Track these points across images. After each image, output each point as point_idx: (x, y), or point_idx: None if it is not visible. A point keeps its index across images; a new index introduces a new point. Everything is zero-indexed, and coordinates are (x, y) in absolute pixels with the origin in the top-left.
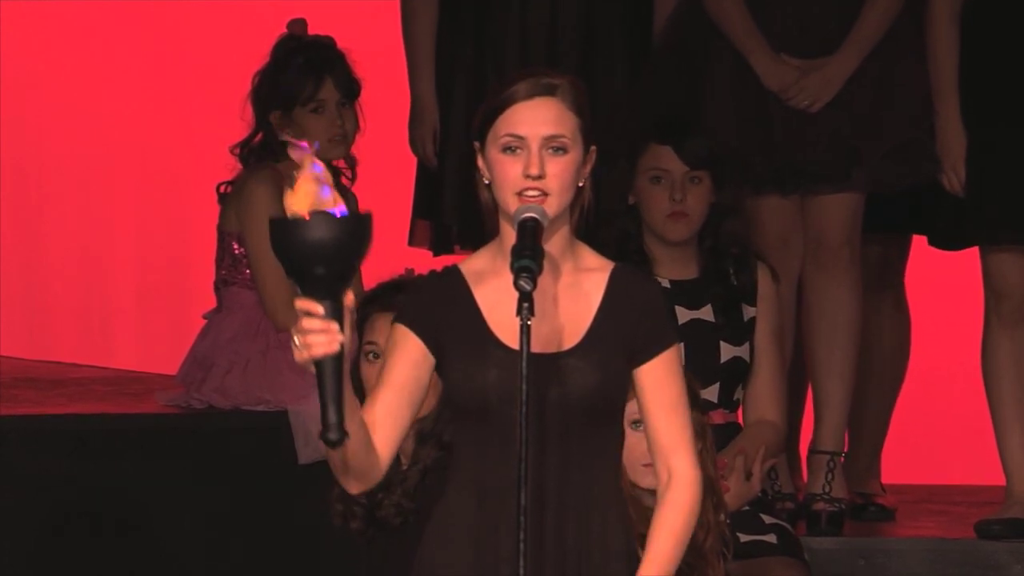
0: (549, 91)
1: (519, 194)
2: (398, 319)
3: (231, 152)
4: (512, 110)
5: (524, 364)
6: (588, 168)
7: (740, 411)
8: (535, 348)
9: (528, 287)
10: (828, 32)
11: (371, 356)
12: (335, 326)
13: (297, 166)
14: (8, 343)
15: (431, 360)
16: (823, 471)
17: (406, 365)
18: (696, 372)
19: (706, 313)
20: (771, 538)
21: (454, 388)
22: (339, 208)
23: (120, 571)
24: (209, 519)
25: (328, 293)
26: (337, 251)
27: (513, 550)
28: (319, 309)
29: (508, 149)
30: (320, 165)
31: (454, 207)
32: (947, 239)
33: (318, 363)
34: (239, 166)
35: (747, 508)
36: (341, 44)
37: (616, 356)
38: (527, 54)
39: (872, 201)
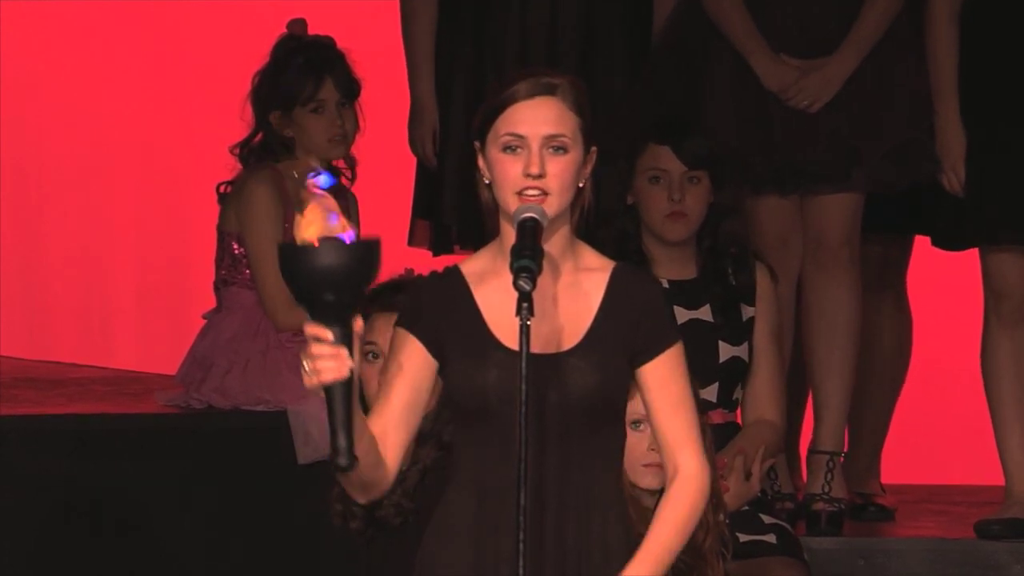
0: (550, 90)
1: (519, 193)
2: (399, 323)
3: (231, 152)
4: (512, 109)
5: (524, 364)
6: (588, 168)
7: (739, 411)
8: (535, 348)
9: (527, 287)
10: (827, 32)
11: (371, 356)
12: (344, 352)
13: (306, 191)
14: (8, 343)
15: (433, 364)
16: (822, 471)
17: (409, 371)
18: (695, 372)
19: (705, 313)
20: (771, 538)
21: (454, 389)
22: (348, 234)
23: (120, 571)
24: (208, 519)
25: (337, 319)
26: (346, 277)
27: (513, 550)
28: (328, 335)
29: (508, 148)
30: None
31: (454, 207)
32: (948, 239)
33: (328, 389)
34: (239, 166)
35: (746, 508)
36: (341, 44)
37: (616, 356)
38: (527, 54)
39: (873, 201)
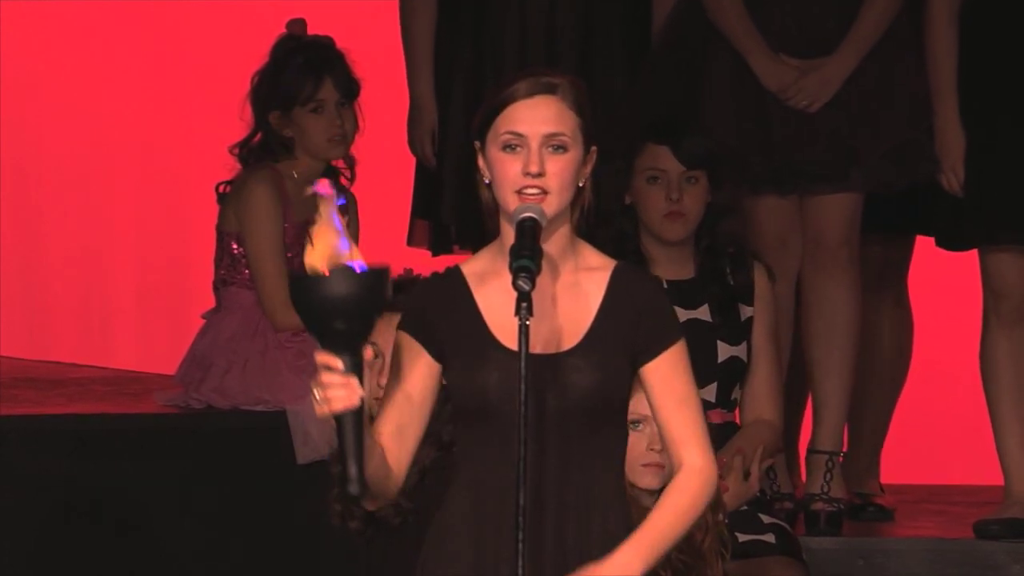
0: (549, 90)
1: (519, 192)
2: (401, 327)
3: (230, 152)
4: (512, 108)
5: (523, 364)
6: (589, 168)
7: (737, 411)
8: (535, 348)
9: (526, 287)
10: (827, 32)
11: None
12: (355, 381)
13: (317, 212)
14: (8, 343)
15: (436, 367)
16: (822, 471)
17: (412, 376)
18: (693, 372)
19: (703, 313)
20: (769, 538)
21: (455, 389)
22: (358, 262)
23: (120, 570)
24: (208, 519)
25: (347, 347)
26: (356, 306)
27: (513, 550)
28: (339, 364)
29: (508, 147)
30: (338, 217)
31: (453, 207)
32: (948, 239)
33: (338, 418)
34: (238, 166)
35: (745, 508)
36: (340, 44)
37: (617, 356)
38: (526, 54)
39: (873, 201)
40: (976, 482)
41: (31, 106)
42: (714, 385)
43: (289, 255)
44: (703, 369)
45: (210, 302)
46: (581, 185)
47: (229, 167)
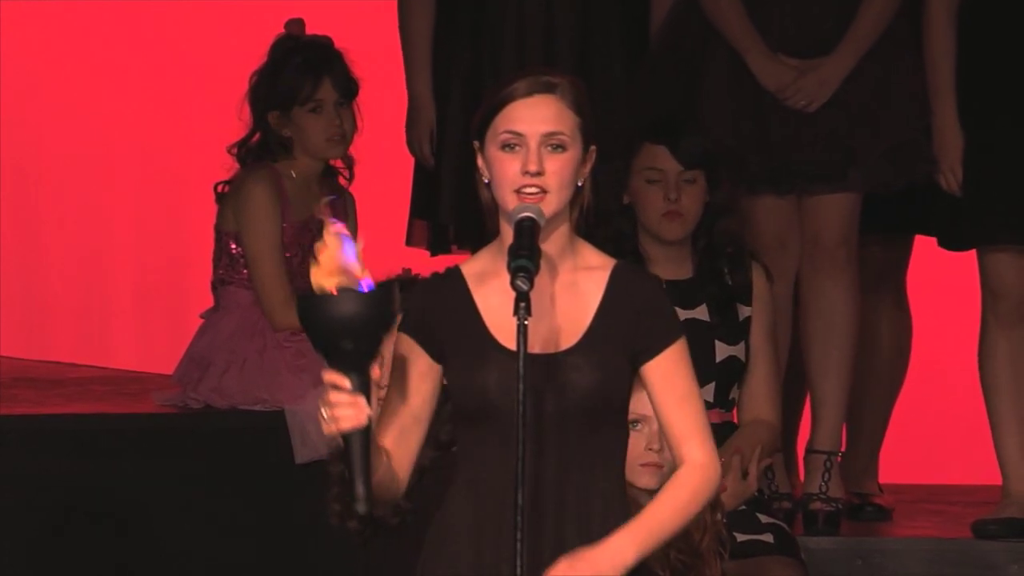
0: (549, 89)
1: (518, 191)
2: (401, 328)
3: (229, 152)
4: (511, 107)
5: (521, 364)
6: (588, 167)
7: (735, 410)
8: (534, 348)
9: (524, 287)
10: (825, 32)
11: None
12: (362, 400)
13: (325, 230)
14: (7, 343)
15: (437, 368)
16: (820, 471)
17: (414, 378)
18: None
19: (701, 313)
20: (768, 537)
21: (454, 390)
22: (366, 280)
23: (119, 570)
24: (207, 518)
25: (355, 367)
26: (364, 326)
27: (512, 550)
28: (346, 383)
29: (507, 146)
30: (347, 233)
31: (451, 207)
32: (947, 240)
33: (345, 436)
34: (237, 166)
35: (744, 507)
36: (339, 44)
37: (616, 355)
38: (524, 54)
39: (872, 201)
40: (974, 482)
41: (31, 106)
42: (712, 385)
43: (288, 255)
44: (701, 369)
45: (209, 302)
46: (580, 184)
47: (228, 167)
